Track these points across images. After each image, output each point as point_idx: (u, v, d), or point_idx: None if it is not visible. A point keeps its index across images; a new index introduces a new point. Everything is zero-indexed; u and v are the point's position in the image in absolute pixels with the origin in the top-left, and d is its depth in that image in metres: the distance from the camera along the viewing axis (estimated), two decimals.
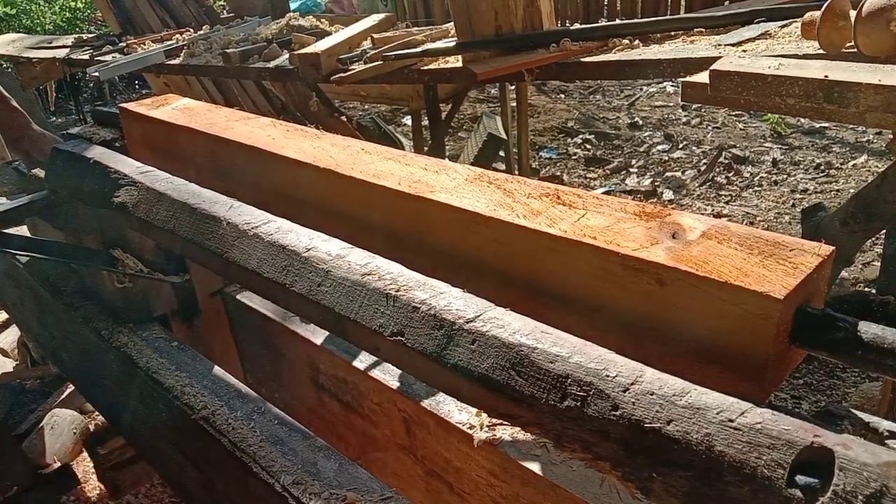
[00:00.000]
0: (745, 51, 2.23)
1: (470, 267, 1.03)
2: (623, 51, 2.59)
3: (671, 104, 7.20)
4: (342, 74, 3.18)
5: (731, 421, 0.65)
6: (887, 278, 2.50)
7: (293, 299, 1.07)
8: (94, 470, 2.71)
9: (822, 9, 1.91)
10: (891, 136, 2.03)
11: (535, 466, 1.18)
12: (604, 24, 3.56)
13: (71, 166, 1.63)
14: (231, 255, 1.16)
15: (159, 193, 1.37)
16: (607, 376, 0.73)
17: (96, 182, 1.51)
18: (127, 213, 1.41)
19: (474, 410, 1.32)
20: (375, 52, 3.16)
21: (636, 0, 4.89)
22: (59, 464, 2.72)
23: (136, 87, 9.58)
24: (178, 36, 4.74)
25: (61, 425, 2.84)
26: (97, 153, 1.60)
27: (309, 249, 1.06)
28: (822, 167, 5.46)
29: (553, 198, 1.00)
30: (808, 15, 2.10)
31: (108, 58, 4.60)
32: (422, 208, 1.08)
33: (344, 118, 4.93)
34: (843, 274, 3.79)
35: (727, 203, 5.10)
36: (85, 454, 2.82)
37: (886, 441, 0.72)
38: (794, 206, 4.91)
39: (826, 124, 6.00)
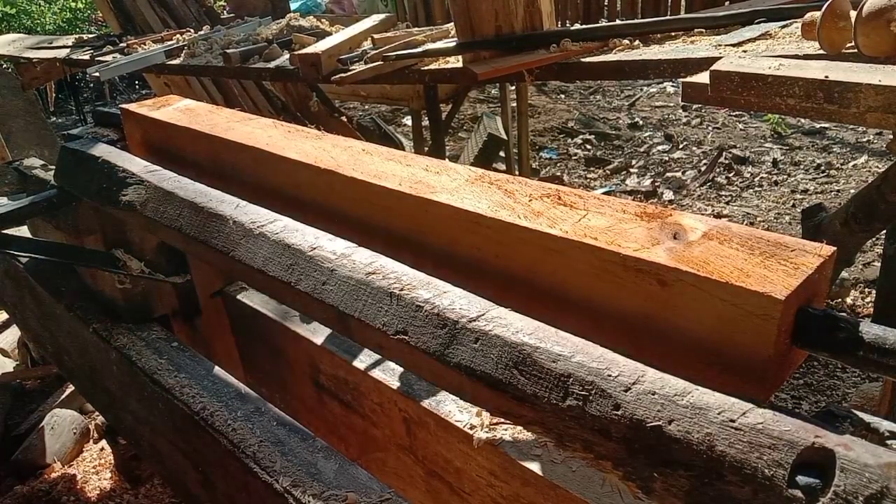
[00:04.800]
0: (745, 51, 2.23)
1: (471, 267, 1.03)
2: (623, 51, 2.59)
3: (671, 104, 7.21)
4: (342, 75, 3.18)
5: (733, 421, 0.66)
6: (887, 278, 2.50)
7: (298, 297, 1.07)
8: (103, 463, 2.72)
9: (823, 9, 1.91)
10: (891, 137, 2.03)
11: (535, 466, 1.19)
12: (604, 24, 3.56)
13: (79, 165, 1.63)
14: (237, 253, 1.17)
15: (167, 192, 1.37)
16: (609, 376, 0.73)
17: (104, 180, 1.52)
18: (134, 211, 1.42)
19: (475, 410, 1.33)
20: (376, 52, 3.16)
21: (636, 0, 4.89)
22: (59, 464, 2.73)
23: (137, 87, 9.59)
24: (178, 36, 4.74)
25: (61, 425, 2.84)
26: (105, 152, 1.60)
27: (314, 248, 1.07)
28: (823, 167, 5.46)
29: (554, 198, 1.00)
30: (808, 15, 2.09)
31: (108, 58, 4.60)
32: (423, 209, 1.08)
33: (344, 118, 4.93)
34: (844, 274, 3.79)
35: (727, 203, 5.10)
36: (85, 454, 2.83)
37: (887, 441, 0.72)
38: (794, 206, 4.91)
39: (826, 125, 6.00)
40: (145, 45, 4.74)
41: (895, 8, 1.75)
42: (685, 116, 6.83)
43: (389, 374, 1.51)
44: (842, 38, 1.92)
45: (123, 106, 1.80)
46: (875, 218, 2.42)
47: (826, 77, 1.64)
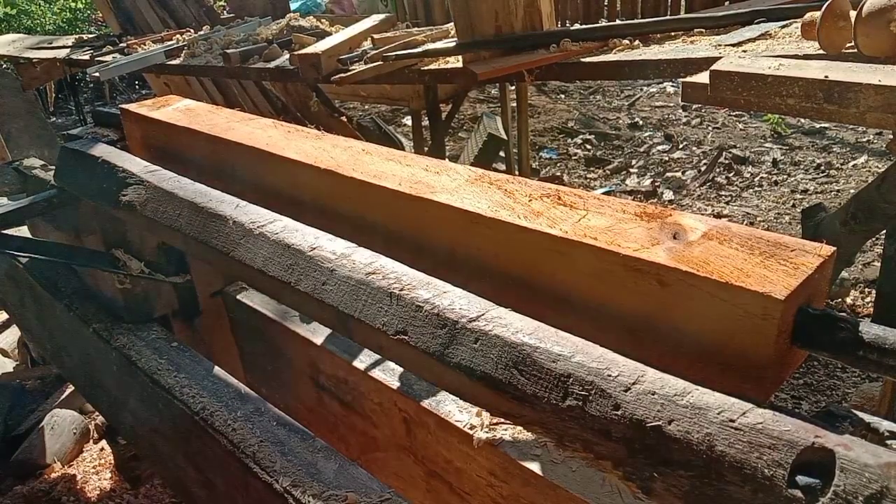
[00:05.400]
0: (745, 51, 2.23)
1: (471, 267, 1.03)
2: (623, 51, 2.59)
3: (671, 104, 7.21)
4: (342, 75, 3.18)
5: (732, 421, 0.65)
6: (887, 278, 2.50)
7: (298, 298, 1.07)
8: (103, 463, 2.72)
9: (823, 9, 1.91)
10: (891, 137, 2.03)
11: (535, 466, 1.19)
12: (604, 24, 3.56)
13: (79, 165, 1.63)
14: (237, 253, 1.17)
15: (166, 192, 1.37)
16: (609, 376, 0.73)
17: (104, 181, 1.52)
18: (134, 211, 1.42)
19: (475, 410, 1.33)
20: (376, 52, 3.16)
21: (636, 0, 4.89)
22: (59, 464, 2.72)
23: (137, 87, 9.58)
24: (178, 36, 4.74)
25: (61, 425, 2.84)
26: (105, 152, 1.60)
27: (314, 248, 1.07)
28: (823, 167, 5.46)
29: (554, 198, 1.00)
30: (808, 15, 2.10)
31: (108, 58, 4.60)
32: (423, 209, 1.08)
33: (344, 118, 4.93)
34: (844, 274, 3.79)
35: (727, 203, 5.10)
36: (85, 454, 2.83)
37: (887, 441, 0.72)
38: (794, 206, 4.91)
39: (826, 124, 6.00)
40: (145, 45, 4.74)
41: (895, 8, 1.75)
42: (685, 116, 6.83)
43: (389, 374, 1.51)
44: (842, 38, 1.92)
45: (123, 106, 1.80)
46: (875, 218, 2.42)
47: (826, 77, 1.64)
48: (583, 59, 2.60)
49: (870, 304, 3.67)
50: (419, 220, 1.09)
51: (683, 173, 5.65)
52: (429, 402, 1.40)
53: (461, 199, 1.04)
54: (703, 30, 2.58)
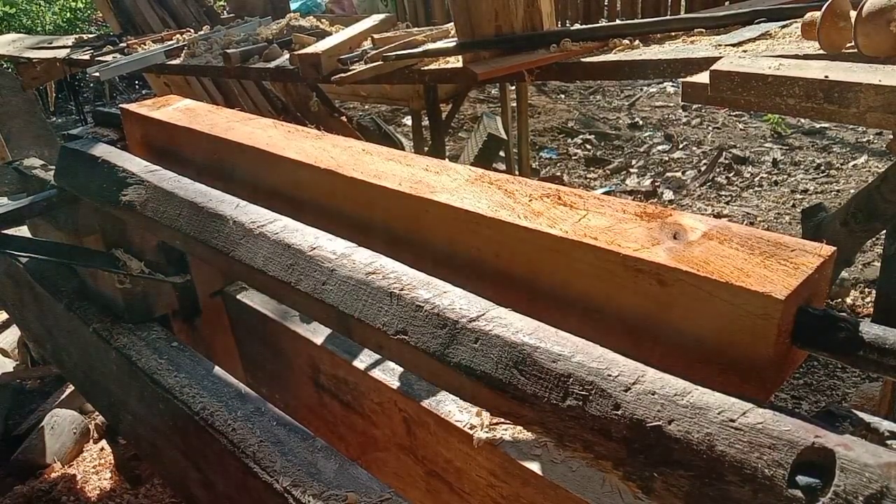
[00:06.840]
0: (745, 51, 2.23)
1: (471, 267, 1.03)
2: (623, 51, 2.59)
3: (671, 104, 7.20)
4: (343, 75, 3.18)
5: (733, 421, 0.65)
6: (887, 278, 2.50)
7: (298, 298, 1.07)
8: (103, 463, 2.72)
9: (823, 9, 1.92)
10: (891, 137, 2.03)
11: (535, 466, 1.19)
12: (604, 24, 3.56)
13: (79, 165, 1.63)
14: (237, 253, 1.17)
15: (167, 192, 1.37)
16: (609, 376, 0.73)
17: (104, 180, 1.52)
18: (134, 211, 1.42)
19: (475, 410, 1.33)
20: (376, 52, 3.17)
21: (636, 0, 4.89)
22: (59, 464, 2.72)
23: (137, 87, 9.58)
24: (178, 36, 4.74)
25: (61, 425, 2.84)
26: (105, 152, 1.61)
27: (314, 248, 1.07)
28: (823, 167, 5.46)
29: (554, 198, 1.00)
30: (808, 15, 2.10)
31: (108, 58, 4.60)
32: (423, 209, 1.08)
33: (344, 118, 4.93)
34: (844, 274, 3.79)
35: (727, 203, 5.10)
36: (85, 454, 2.83)
37: (887, 441, 0.72)
38: (794, 206, 4.91)
39: (826, 124, 6.00)
40: (145, 45, 4.74)
41: (895, 8, 1.75)
42: (685, 116, 6.83)
43: (389, 374, 1.51)
44: (842, 38, 1.92)
45: (123, 106, 1.80)
46: (875, 218, 2.42)
47: (826, 77, 1.64)
48: (583, 59, 2.60)
49: (870, 304, 3.67)
50: (419, 220, 1.09)
51: (683, 173, 5.65)
52: (429, 402, 1.40)
53: (461, 199, 1.04)
54: (704, 30, 2.58)
